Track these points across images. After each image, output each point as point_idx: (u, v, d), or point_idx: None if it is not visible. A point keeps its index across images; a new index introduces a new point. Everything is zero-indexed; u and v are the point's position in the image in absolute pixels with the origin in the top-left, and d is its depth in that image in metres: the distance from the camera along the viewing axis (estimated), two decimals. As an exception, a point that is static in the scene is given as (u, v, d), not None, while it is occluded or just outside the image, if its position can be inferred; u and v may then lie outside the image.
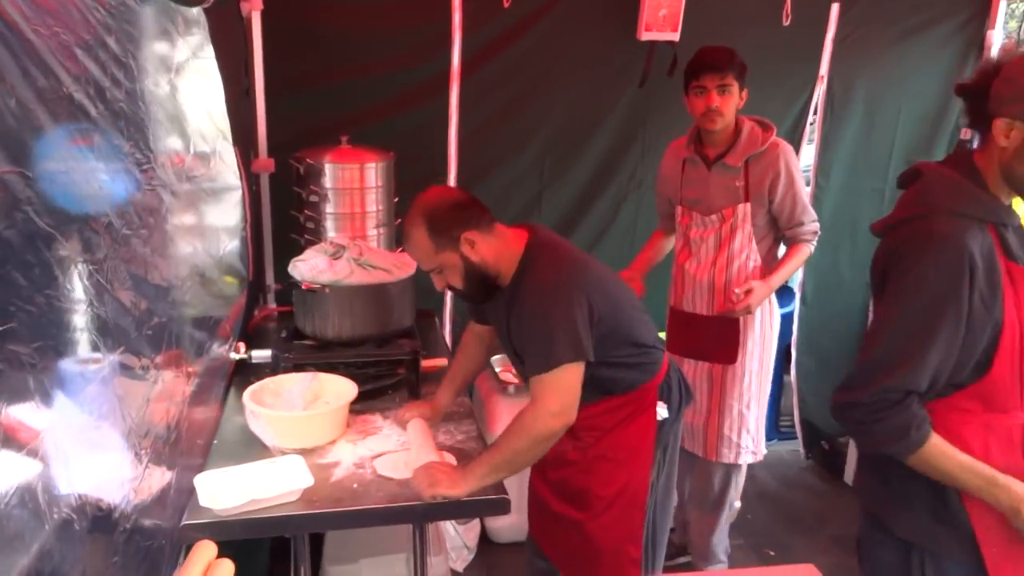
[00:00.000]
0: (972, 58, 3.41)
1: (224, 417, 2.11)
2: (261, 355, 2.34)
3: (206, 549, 1.11)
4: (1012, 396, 1.54)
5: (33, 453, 0.86)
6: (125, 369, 1.18)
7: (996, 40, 3.42)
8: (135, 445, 1.22)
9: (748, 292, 2.56)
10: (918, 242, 1.53)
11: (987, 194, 1.54)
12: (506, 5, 2.99)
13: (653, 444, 2.07)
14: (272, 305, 3.06)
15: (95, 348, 1.05)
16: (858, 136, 3.45)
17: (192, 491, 1.68)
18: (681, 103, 3.26)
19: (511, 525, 3.06)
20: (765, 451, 2.88)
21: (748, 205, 2.64)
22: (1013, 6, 3.45)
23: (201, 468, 1.78)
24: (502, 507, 1.79)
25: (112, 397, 1.09)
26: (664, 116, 3.24)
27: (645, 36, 3.07)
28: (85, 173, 1.03)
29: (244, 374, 2.30)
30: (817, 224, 2.68)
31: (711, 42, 3.16)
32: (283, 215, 2.95)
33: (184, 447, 1.65)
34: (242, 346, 2.33)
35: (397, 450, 1.95)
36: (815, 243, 2.70)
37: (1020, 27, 3.87)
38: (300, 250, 2.58)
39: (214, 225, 2.08)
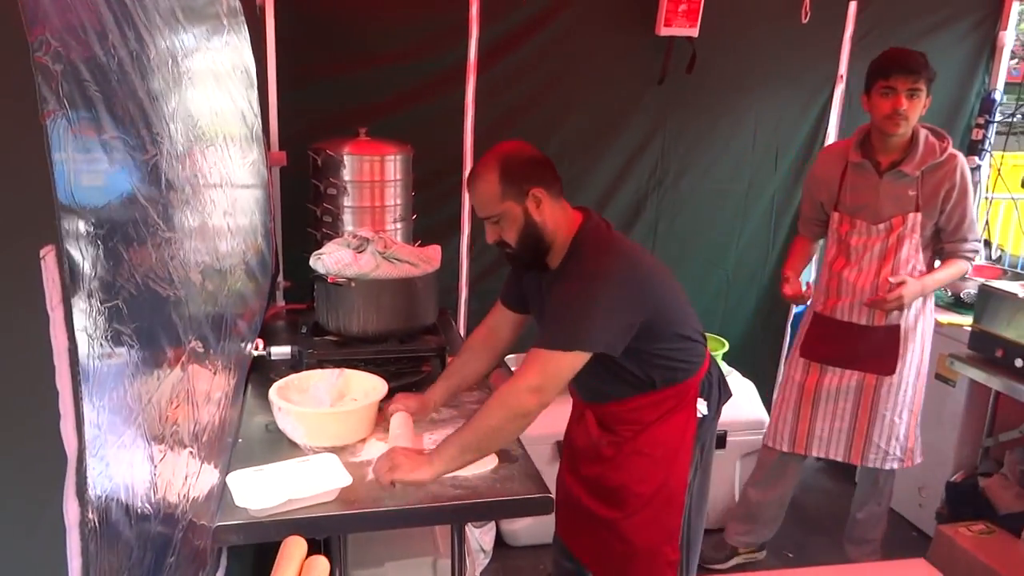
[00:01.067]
0: (985, 58, 3.42)
1: (245, 416, 2.03)
2: (281, 351, 2.26)
3: (297, 545, 1.04)
4: None
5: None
6: (196, 361, 1.11)
7: (1008, 41, 3.43)
8: (195, 440, 1.15)
9: (901, 284, 2.53)
10: None
11: None
12: (523, 1, 2.94)
13: (693, 442, 2.01)
14: (281, 303, 2.97)
15: (175, 342, 0.99)
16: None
17: (223, 491, 1.60)
18: (701, 100, 3.24)
19: (528, 527, 2.99)
20: (920, 458, 2.83)
21: (919, 215, 2.58)
22: (1023, 7, 3.45)
23: (227, 468, 1.70)
24: (545, 506, 1.72)
25: (188, 386, 1.02)
26: (684, 114, 3.22)
27: (664, 32, 3.03)
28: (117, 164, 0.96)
29: (261, 372, 2.22)
30: (980, 244, 2.66)
31: (730, 39, 3.16)
32: (292, 210, 2.88)
33: (225, 445, 1.58)
34: (260, 342, 2.25)
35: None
36: (973, 262, 2.69)
37: (1030, 29, 3.90)
38: (316, 245, 2.51)
39: (250, 215, 2.02)
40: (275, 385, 1.93)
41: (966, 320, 3.00)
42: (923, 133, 2.58)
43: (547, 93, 3.06)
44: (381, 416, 1.98)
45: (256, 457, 1.77)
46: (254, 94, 2.11)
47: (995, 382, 2.85)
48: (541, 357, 1.76)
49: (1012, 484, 2.85)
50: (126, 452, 0.87)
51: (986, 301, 2.92)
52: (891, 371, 2.71)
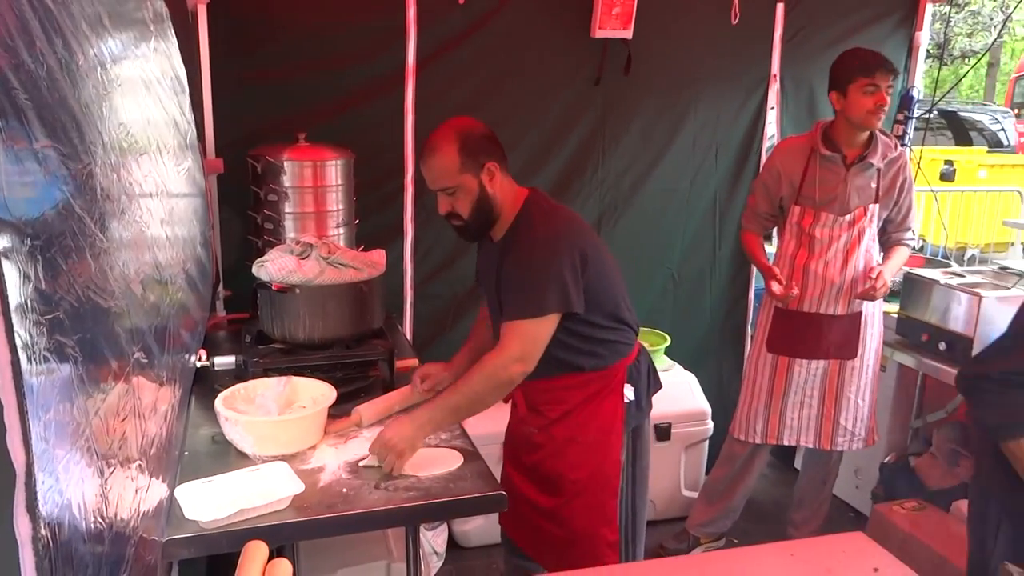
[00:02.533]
0: (904, 58, 3.57)
1: (190, 428, 1.99)
2: (225, 362, 2.23)
3: (258, 550, 1.03)
4: None
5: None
6: (141, 373, 1.09)
7: (923, 41, 3.60)
8: (144, 454, 1.13)
9: (880, 274, 2.69)
10: None
11: None
12: (460, 2, 2.95)
13: (623, 427, 2.07)
14: (222, 313, 2.92)
15: (119, 354, 0.97)
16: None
17: (171, 505, 1.57)
18: (639, 101, 3.30)
19: (479, 528, 3.01)
20: (878, 436, 3.02)
21: (878, 206, 2.76)
22: (936, 8, 3.62)
23: (174, 481, 1.67)
24: (499, 503, 1.75)
25: (134, 399, 1.00)
26: (623, 114, 3.27)
27: (599, 34, 3.08)
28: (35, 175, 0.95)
29: (205, 383, 2.18)
30: (916, 233, 2.86)
31: (664, 41, 3.23)
32: (231, 218, 2.84)
33: (172, 459, 1.55)
34: (203, 353, 2.21)
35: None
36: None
37: (943, 29, 4.08)
38: (257, 252, 2.48)
39: (188, 224, 1.98)
40: (221, 395, 1.90)
41: (893, 307, 3.14)
42: (876, 130, 2.74)
43: (486, 95, 3.08)
44: (332, 422, 1.97)
45: (204, 469, 1.74)
46: (186, 101, 2.07)
47: (922, 365, 2.98)
48: (518, 328, 1.86)
49: (940, 462, 2.99)
50: (75, 466, 0.85)
51: (911, 289, 3.06)
52: (853, 355, 2.84)
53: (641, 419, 2.17)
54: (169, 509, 1.56)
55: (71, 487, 0.83)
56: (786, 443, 2.96)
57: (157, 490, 1.39)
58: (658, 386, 2.23)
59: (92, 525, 0.89)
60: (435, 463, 1.82)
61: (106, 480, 0.96)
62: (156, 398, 1.35)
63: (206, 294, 2.35)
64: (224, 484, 1.65)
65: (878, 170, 2.73)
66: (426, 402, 1.91)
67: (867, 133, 2.71)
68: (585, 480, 2.06)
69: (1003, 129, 15.43)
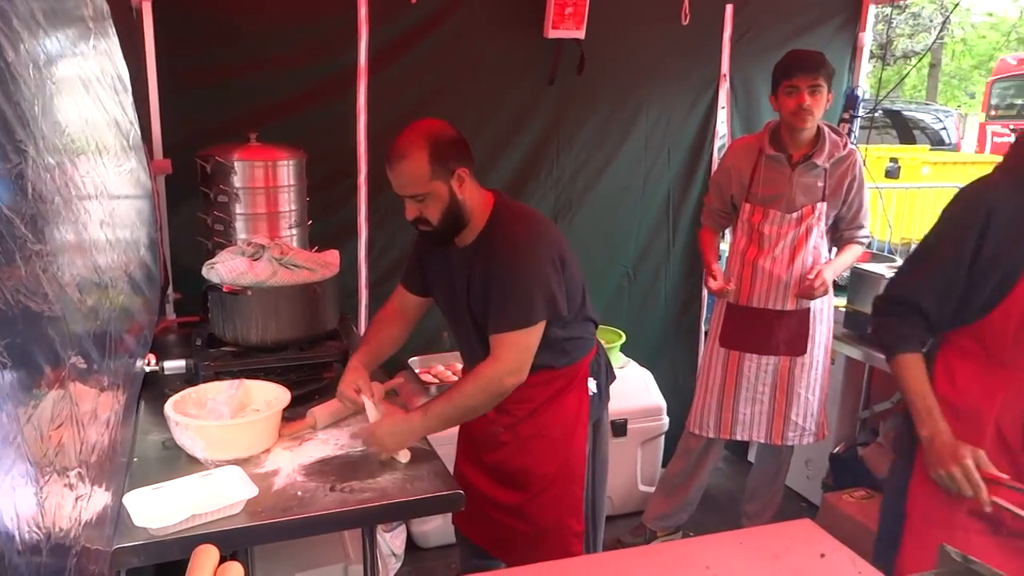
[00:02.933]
0: (848, 58, 3.66)
1: (139, 435, 1.95)
2: (175, 366, 2.19)
3: (208, 553, 1.01)
4: (1011, 351, 1.67)
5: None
6: (78, 379, 1.06)
7: (867, 42, 3.69)
8: (83, 462, 1.10)
9: (819, 272, 2.75)
10: (965, 186, 1.82)
11: None
12: (413, 1, 2.94)
13: (587, 419, 2.09)
14: (171, 316, 2.87)
15: (53, 360, 0.95)
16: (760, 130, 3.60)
17: (119, 512, 1.53)
18: (593, 100, 3.33)
19: (438, 528, 3.00)
20: (828, 431, 3.07)
21: (826, 205, 2.80)
22: (878, 9, 3.72)
23: (122, 489, 1.64)
24: (456, 503, 1.75)
25: (71, 405, 0.97)
26: (577, 114, 3.29)
27: (552, 34, 3.10)
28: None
29: (155, 388, 2.14)
30: (868, 231, 2.91)
31: (616, 40, 3.27)
32: (181, 220, 2.78)
33: (117, 466, 1.51)
34: (152, 357, 2.17)
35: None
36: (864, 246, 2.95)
37: (886, 30, 4.20)
38: (208, 254, 2.44)
39: (131, 227, 1.93)
40: (171, 400, 1.87)
41: (841, 302, 3.22)
42: (825, 129, 2.80)
43: (440, 95, 3.07)
44: (286, 425, 1.95)
45: (154, 475, 1.71)
46: (128, 100, 2.02)
47: (868, 358, 3.07)
48: (509, 341, 1.87)
49: (887, 451, 3.07)
50: (6, 475, 0.83)
51: (858, 283, 3.14)
52: (803, 351, 2.90)
53: (601, 411, 2.20)
54: (117, 517, 1.53)
55: (2, 496, 0.81)
56: (738, 438, 3.01)
57: (100, 498, 1.36)
58: (612, 377, 2.26)
59: (27, 536, 0.87)
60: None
61: (41, 489, 0.93)
62: (97, 404, 1.31)
63: (153, 297, 2.30)
64: (175, 490, 1.62)
65: (824, 169, 2.79)
66: (421, 407, 1.90)
67: (813, 132, 2.78)
68: (553, 474, 2.07)
69: (945, 128, 15.96)
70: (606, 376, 2.20)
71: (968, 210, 1.72)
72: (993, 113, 13.35)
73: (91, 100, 1.53)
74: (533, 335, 1.88)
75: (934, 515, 1.77)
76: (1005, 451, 1.71)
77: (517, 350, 1.86)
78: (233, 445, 1.80)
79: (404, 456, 1.84)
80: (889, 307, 1.82)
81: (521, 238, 1.90)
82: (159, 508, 1.55)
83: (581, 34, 3.13)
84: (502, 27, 3.13)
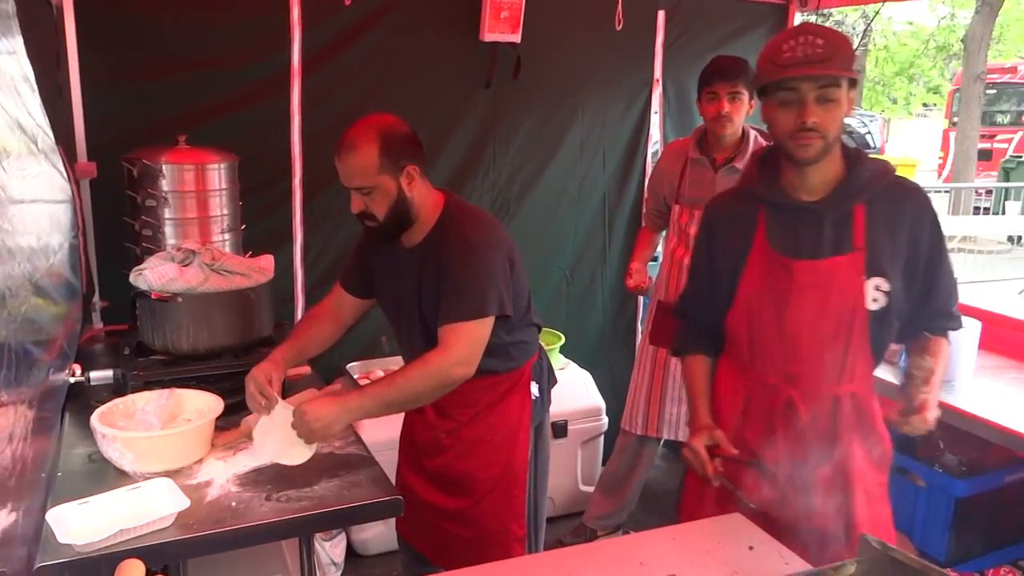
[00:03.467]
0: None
1: (64, 449, 1.88)
2: (101, 376, 2.13)
3: (133, 568, 0.98)
4: (749, 352, 1.77)
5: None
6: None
7: (793, 49, 3.80)
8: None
9: None
10: None
11: (771, 179, 1.72)
12: (347, 3, 2.91)
13: (530, 423, 2.11)
14: (98, 325, 2.77)
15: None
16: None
17: (41, 530, 1.48)
18: (528, 104, 3.36)
19: (378, 535, 2.98)
20: None
21: None
22: (804, 16, 3.85)
23: (44, 506, 1.58)
24: (396, 508, 1.73)
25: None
26: (513, 117, 3.31)
27: (488, 37, 3.11)
28: None
29: (81, 399, 2.07)
30: None
31: (552, 45, 3.30)
32: (106, 225, 2.70)
33: (28, 483, 1.45)
34: (77, 368, 2.10)
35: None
36: None
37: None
38: (136, 260, 2.37)
39: (40, 233, 1.85)
40: (97, 411, 1.81)
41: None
42: (752, 133, 2.87)
43: (375, 98, 3.04)
44: (220, 434, 1.90)
45: (80, 490, 1.65)
46: (35, 101, 1.93)
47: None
48: (459, 331, 1.85)
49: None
50: None
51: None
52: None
53: (543, 415, 2.21)
54: (38, 535, 1.47)
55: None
56: (664, 436, 3.05)
57: (8, 518, 1.30)
58: (554, 381, 2.27)
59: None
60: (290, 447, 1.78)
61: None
62: (19, 417, 1.26)
63: (73, 306, 2.21)
64: (101, 504, 1.57)
65: None
66: (359, 389, 1.87)
67: (737, 136, 2.84)
68: (495, 478, 2.07)
69: (869, 132, 16.57)
70: (548, 380, 2.22)
71: (702, 223, 1.91)
72: (955, 120, 14.09)
73: (9, 97, 1.47)
74: (484, 327, 1.87)
75: (696, 498, 1.90)
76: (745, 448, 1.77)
77: (468, 341, 1.85)
78: (163, 456, 1.75)
79: (302, 456, 1.77)
80: (676, 315, 1.97)
81: (475, 236, 1.90)
82: (85, 524, 1.50)
83: (517, 38, 3.15)
84: (437, 30, 3.12)
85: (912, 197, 1.69)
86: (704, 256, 1.85)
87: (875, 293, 1.65)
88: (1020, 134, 13.45)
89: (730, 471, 1.67)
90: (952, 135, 13.81)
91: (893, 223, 1.66)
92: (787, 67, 1.55)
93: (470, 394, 2.03)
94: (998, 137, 13.63)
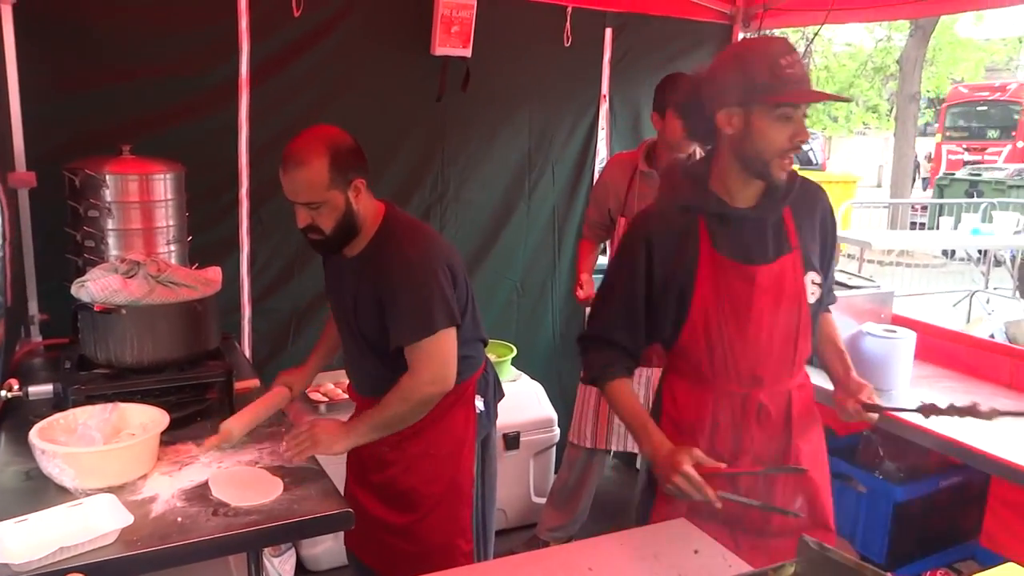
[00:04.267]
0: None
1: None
2: (40, 391, 2.06)
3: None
4: (707, 367, 1.77)
5: None
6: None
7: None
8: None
9: None
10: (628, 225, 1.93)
11: (704, 190, 1.74)
12: (296, 14, 2.91)
13: (475, 437, 2.11)
14: (37, 339, 2.70)
15: None
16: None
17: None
18: (478, 117, 3.38)
19: (328, 550, 2.94)
20: None
21: None
22: (746, 36, 3.96)
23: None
24: (346, 521, 1.72)
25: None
26: (462, 130, 3.33)
27: (439, 51, 3.13)
28: None
29: (19, 415, 2.01)
30: None
31: (502, 60, 3.34)
32: (47, 236, 2.63)
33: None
34: (14, 383, 2.03)
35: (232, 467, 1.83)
36: None
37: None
38: (78, 272, 2.31)
39: None
40: (36, 426, 1.76)
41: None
42: (697, 149, 2.91)
43: (324, 109, 3.03)
44: (162, 451, 1.86)
45: (17, 508, 1.59)
46: None
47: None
48: (421, 351, 1.88)
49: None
50: None
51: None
52: None
53: (489, 428, 2.21)
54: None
55: None
56: (614, 448, 3.09)
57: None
58: (501, 394, 2.28)
59: None
60: (252, 489, 1.73)
61: None
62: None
63: None
64: (41, 522, 1.52)
65: None
66: (357, 416, 1.99)
67: (687, 152, 2.91)
68: (440, 494, 2.07)
69: (812, 149, 17.16)
70: (494, 393, 2.22)
71: (632, 243, 1.79)
72: (948, 135, 15.54)
73: None
74: (443, 341, 1.89)
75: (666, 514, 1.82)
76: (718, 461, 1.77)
77: (430, 359, 1.87)
78: (105, 472, 1.71)
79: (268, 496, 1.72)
80: (588, 344, 1.88)
81: (412, 252, 1.90)
82: (23, 542, 1.46)
83: (467, 52, 3.18)
84: (388, 42, 3.14)
85: (819, 195, 1.83)
86: (639, 278, 1.76)
87: (812, 287, 1.76)
88: (1008, 148, 14.75)
89: (716, 485, 1.61)
90: (945, 148, 15.35)
91: (812, 220, 1.79)
92: (796, 84, 1.59)
93: None
94: (988, 150, 14.98)
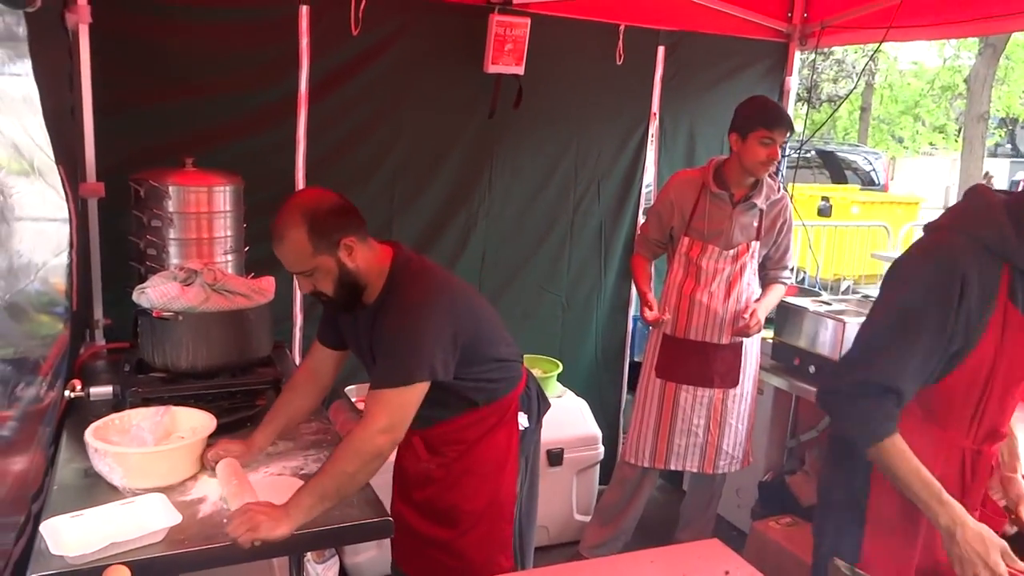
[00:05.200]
0: (776, 100, 3.82)
1: (61, 462, 1.90)
2: (101, 392, 2.15)
3: (118, 574, 1.00)
4: (955, 417, 1.67)
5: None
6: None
7: (793, 85, 3.87)
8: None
9: (753, 313, 2.86)
10: (927, 248, 1.66)
11: (1018, 237, 1.58)
12: (355, 33, 2.99)
13: (518, 454, 2.11)
14: (101, 342, 2.81)
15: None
16: (687, 167, 3.73)
17: (11, 549, 1.50)
18: (527, 133, 3.41)
19: (371, 560, 2.97)
20: (751, 459, 3.18)
21: (759, 244, 2.92)
22: (803, 56, 3.92)
23: (20, 523, 1.59)
24: (385, 530, 1.75)
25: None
26: (511, 147, 3.36)
27: (492, 69, 3.17)
28: None
29: (80, 415, 2.10)
30: (791, 272, 3.04)
31: (554, 77, 3.36)
32: (113, 244, 2.74)
33: (15, 497, 1.47)
34: (77, 384, 2.12)
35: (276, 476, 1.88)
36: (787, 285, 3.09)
37: (811, 75, 4.41)
38: (139, 279, 2.41)
39: (24, 251, 1.88)
40: (92, 426, 1.84)
41: (768, 334, 3.33)
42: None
43: (379, 125, 3.11)
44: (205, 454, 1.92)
45: (75, 503, 1.67)
46: (36, 122, 1.97)
47: (794, 388, 3.17)
48: (384, 397, 1.78)
49: (812, 479, 3.17)
50: None
51: (785, 316, 3.26)
52: (736, 383, 3.00)
53: (533, 443, 2.21)
54: (31, 546, 1.49)
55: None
56: (672, 468, 3.07)
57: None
58: (547, 406, 2.27)
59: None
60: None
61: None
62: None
63: (59, 323, 2.23)
64: (95, 518, 1.59)
65: (761, 210, 2.92)
66: (300, 491, 1.70)
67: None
68: (482, 510, 2.08)
69: (874, 169, 16.79)
70: (539, 407, 2.21)
71: (948, 279, 1.58)
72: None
73: (10, 116, 1.49)
74: (410, 394, 1.79)
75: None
76: None
77: (390, 409, 1.77)
78: (153, 473, 1.77)
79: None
80: (865, 390, 1.63)
81: (411, 300, 1.85)
82: (77, 536, 1.52)
83: (520, 70, 3.21)
84: (442, 60, 3.19)
85: None
86: (949, 318, 1.57)
87: None
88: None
89: None
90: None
91: None
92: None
93: (458, 432, 2.05)
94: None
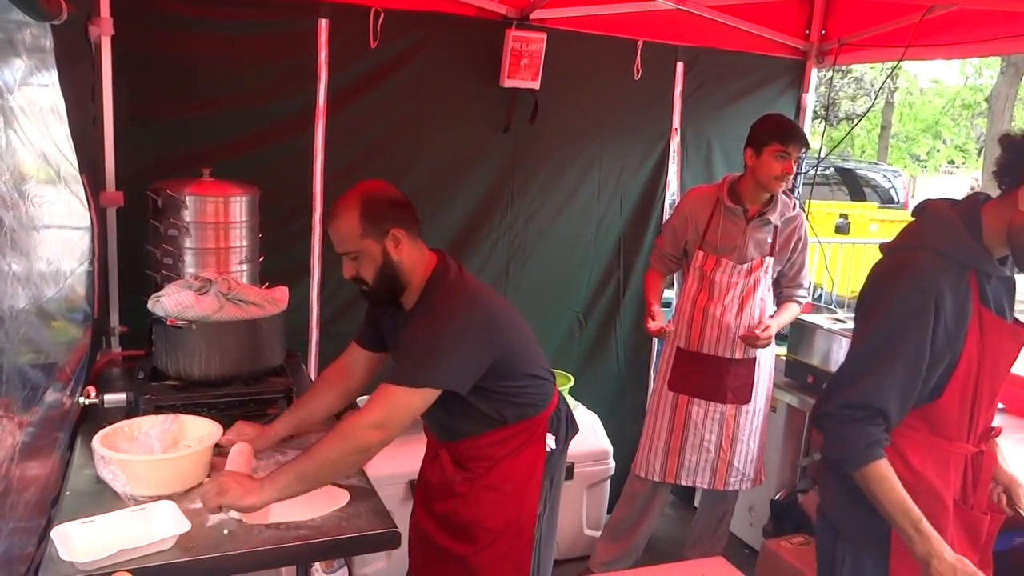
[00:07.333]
0: (792, 118, 3.82)
1: (74, 468, 1.92)
2: (115, 399, 2.16)
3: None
4: (956, 425, 1.70)
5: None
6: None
7: (809, 103, 3.87)
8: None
9: (767, 326, 2.85)
10: (897, 270, 1.69)
11: (977, 244, 1.65)
12: (373, 46, 3.01)
13: (542, 475, 2.10)
14: (117, 349, 2.83)
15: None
16: (709, 183, 3.72)
17: (33, 552, 1.51)
18: (546, 148, 3.42)
19: (381, 571, 2.97)
20: (764, 476, 3.15)
21: (773, 259, 2.92)
22: (821, 73, 3.91)
23: (41, 527, 1.61)
24: (392, 541, 1.74)
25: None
26: (530, 161, 3.37)
27: (508, 83, 3.19)
28: None
29: (94, 421, 2.11)
30: (806, 291, 3.02)
31: (570, 92, 3.37)
32: (131, 252, 2.77)
33: (15, 504, 1.48)
34: (92, 390, 2.14)
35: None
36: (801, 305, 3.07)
37: (828, 92, 4.41)
38: (156, 288, 2.43)
39: (52, 258, 1.90)
40: (101, 432, 1.85)
41: (782, 351, 3.31)
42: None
43: (396, 138, 3.13)
44: (221, 462, 1.93)
45: (86, 509, 1.68)
46: (62, 132, 2.00)
47: (807, 406, 3.15)
48: (388, 393, 1.79)
49: (826, 499, 3.13)
50: None
51: (799, 333, 3.24)
52: (748, 399, 2.98)
53: (558, 466, 2.20)
54: (42, 552, 1.50)
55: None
56: (683, 483, 3.05)
57: (9, 537, 1.32)
58: (575, 430, 2.25)
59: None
60: (317, 501, 1.77)
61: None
62: (3, 441, 1.28)
63: (80, 331, 2.25)
64: (105, 524, 1.60)
65: (775, 226, 2.91)
66: (283, 467, 1.74)
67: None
68: (501, 528, 2.06)
69: (893, 187, 16.69)
70: (567, 429, 2.19)
71: (923, 299, 1.62)
72: None
73: (13, 132, 1.52)
74: (413, 397, 1.78)
75: None
76: (963, 524, 1.75)
77: (390, 406, 1.77)
78: (155, 481, 1.77)
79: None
80: (850, 412, 1.66)
81: (440, 309, 1.86)
82: (87, 542, 1.53)
83: (536, 85, 3.23)
84: (459, 74, 3.21)
85: None
86: (927, 340, 1.61)
87: None
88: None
89: None
90: None
91: None
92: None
93: (487, 449, 2.04)
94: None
